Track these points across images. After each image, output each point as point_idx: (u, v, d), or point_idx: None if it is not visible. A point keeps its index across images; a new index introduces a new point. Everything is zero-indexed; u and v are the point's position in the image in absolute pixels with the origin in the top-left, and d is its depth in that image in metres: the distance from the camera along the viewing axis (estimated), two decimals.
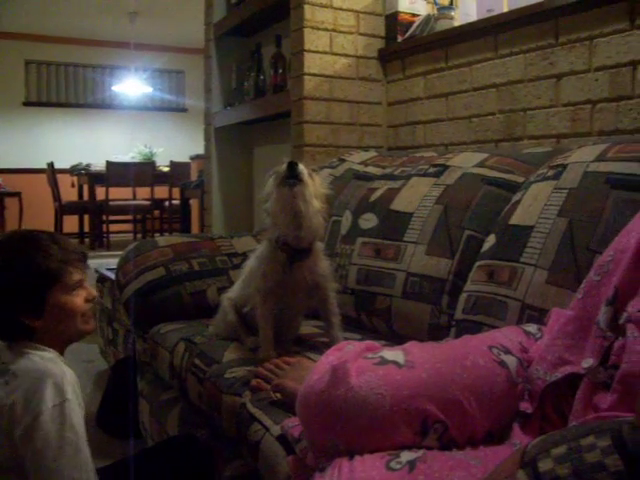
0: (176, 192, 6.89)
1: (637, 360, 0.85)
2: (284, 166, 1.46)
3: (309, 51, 2.70)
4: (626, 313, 0.95)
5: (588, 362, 0.96)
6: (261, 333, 1.58)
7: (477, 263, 1.55)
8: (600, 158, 1.46)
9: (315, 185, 1.51)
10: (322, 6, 2.71)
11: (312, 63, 2.70)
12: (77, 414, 1.25)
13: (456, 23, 2.57)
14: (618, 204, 1.34)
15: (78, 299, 1.37)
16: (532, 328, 1.22)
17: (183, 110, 9.83)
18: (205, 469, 1.50)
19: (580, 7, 1.99)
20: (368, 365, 1.00)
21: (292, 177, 1.45)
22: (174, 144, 8.89)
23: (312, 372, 1.03)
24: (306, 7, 2.68)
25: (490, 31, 2.32)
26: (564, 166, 1.51)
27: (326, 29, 2.72)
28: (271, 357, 1.50)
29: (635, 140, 1.46)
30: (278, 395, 1.32)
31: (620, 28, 1.89)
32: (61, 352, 1.37)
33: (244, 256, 2.12)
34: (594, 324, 0.99)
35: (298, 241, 1.53)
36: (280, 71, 3.22)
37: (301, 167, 1.46)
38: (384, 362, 1.00)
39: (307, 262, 1.57)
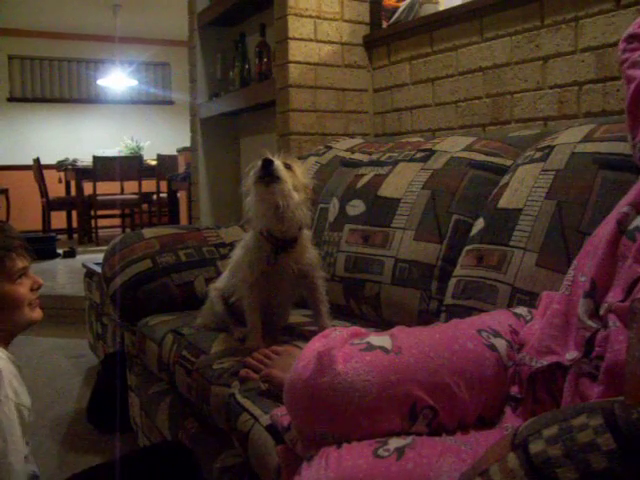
0: (164, 185, 6.83)
1: (620, 349, 0.84)
2: (259, 162, 1.44)
3: (293, 39, 2.67)
4: (606, 304, 0.94)
5: (572, 355, 0.95)
6: (249, 323, 1.56)
7: (466, 247, 1.53)
8: (587, 139, 1.45)
9: (295, 177, 1.49)
10: None
11: (296, 51, 2.68)
12: (8, 416, 1.19)
13: (441, 7, 2.55)
14: (605, 184, 1.33)
15: (22, 288, 1.33)
16: (522, 311, 1.21)
17: (169, 102, 9.76)
18: (190, 477, 1.45)
19: None
20: (354, 351, 0.98)
21: (267, 175, 1.43)
22: (161, 137, 8.81)
23: (298, 360, 1.00)
24: None
25: (475, 14, 2.30)
26: (551, 148, 1.50)
27: (310, 16, 2.69)
28: (259, 347, 1.48)
29: (621, 120, 1.45)
30: (266, 385, 1.31)
31: (605, 8, 1.88)
32: (6, 344, 1.33)
33: (231, 246, 2.09)
34: (576, 317, 0.98)
35: (282, 233, 1.52)
36: (265, 60, 3.19)
37: (276, 163, 1.43)
38: (371, 348, 0.99)
39: (293, 252, 1.55)
